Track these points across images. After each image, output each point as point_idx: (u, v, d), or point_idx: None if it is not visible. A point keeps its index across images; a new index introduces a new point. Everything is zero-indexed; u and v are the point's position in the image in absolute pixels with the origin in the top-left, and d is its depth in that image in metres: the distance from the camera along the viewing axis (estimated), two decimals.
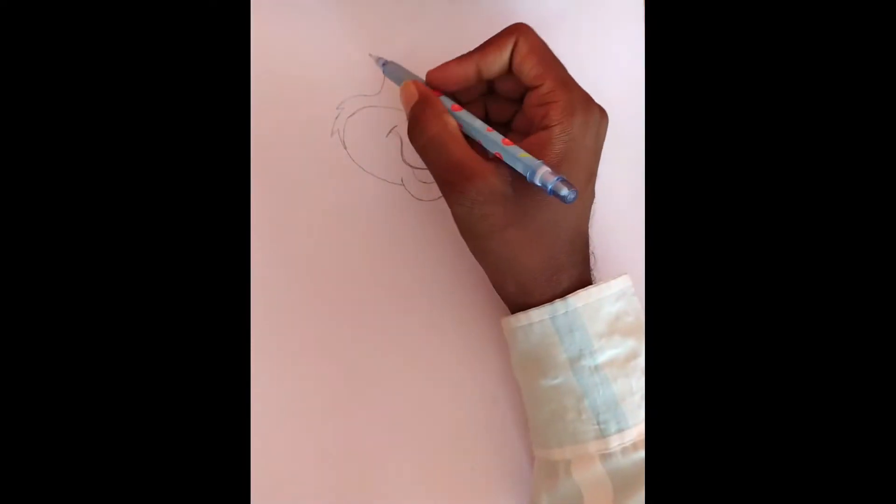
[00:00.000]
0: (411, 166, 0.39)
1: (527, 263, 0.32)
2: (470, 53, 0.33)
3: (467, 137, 0.33)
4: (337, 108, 0.39)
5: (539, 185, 0.29)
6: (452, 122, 0.32)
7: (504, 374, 0.38)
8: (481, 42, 0.33)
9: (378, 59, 0.37)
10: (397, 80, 0.36)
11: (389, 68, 0.37)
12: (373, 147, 0.39)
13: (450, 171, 0.31)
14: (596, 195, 0.35)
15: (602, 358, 0.31)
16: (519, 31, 0.32)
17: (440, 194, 0.38)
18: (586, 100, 0.32)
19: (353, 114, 0.39)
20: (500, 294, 0.35)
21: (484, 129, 0.32)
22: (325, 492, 0.37)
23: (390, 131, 0.39)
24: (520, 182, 0.30)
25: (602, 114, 0.33)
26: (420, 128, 0.32)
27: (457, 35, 0.35)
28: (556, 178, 0.28)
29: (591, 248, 0.35)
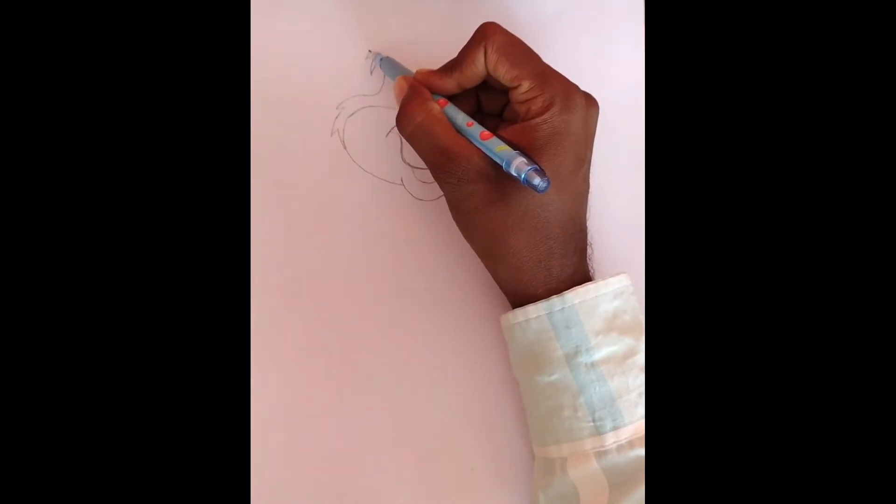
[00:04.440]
0: (411, 166, 0.39)
1: (514, 245, 0.32)
2: (450, 69, 0.34)
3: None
4: (337, 108, 0.39)
5: (514, 174, 0.30)
6: (437, 109, 0.34)
7: (504, 374, 0.38)
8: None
9: (376, 55, 0.38)
10: (392, 75, 0.37)
11: (385, 63, 0.38)
12: (373, 147, 0.39)
13: (437, 154, 0.33)
14: (597, 195, 0.35)
15: (598, 355, 0.31)
16: (485, 37, 0.33)
17: (440, 194, 0.39)
18: (566, 90, 0.32)
19: (353, 114, 0.39)
20: (497, 283, 0.35)
21: (465, 123, 0.33)
22: (325, 492, 0.37)
23: (390, 131, 0.39)
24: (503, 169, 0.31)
25: (589, 100, 0.33)
26: (407, 117, 0.33)
27: (457, 35, 0.35)
28: (528, 168, 0.29)
29: (588, 239, 0.35)
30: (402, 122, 0.34)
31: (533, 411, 0.34)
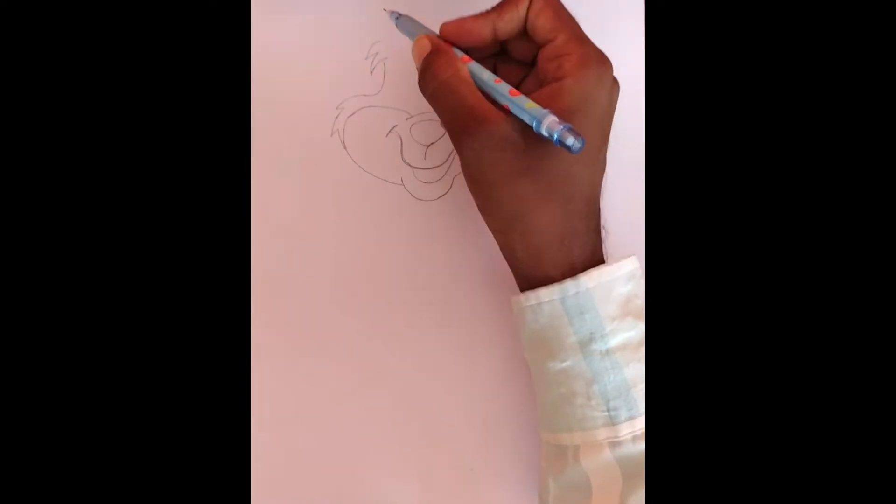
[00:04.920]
0: (411, 166, 0.39)
1: (538, 221, 0.31)
2: (487, 13, 0.32)
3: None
4: (337, 108, 0.39)
5: (546, 135, 0.28)
6: (464, 69, 0.32)
7: (505, 374, 0.38)
8: None
9: (392, 13, 0.36)
10: (410, 35, 0.35)
11: (403, 22, 0.36)
12: (373, 147, 0.39)
13: (460, 116, 0.31)
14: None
15: (614, 342, 0.30)
16: None
17: (440, 194, 0.39)
18: (601, 56, 0.31)
19: (353, 114, 0.39)
20: (509, 264, 0.33)
21: (492, 80, 0.31)
22: (325, 492, 0.37)
23: (390, 131, 0.39)
24: (531, 133, 0.30)
25: (615, 81, 0.32)
26: (431, 73, 0.32)
27: None
28: (561, 127, 0.27)
29: (602, 221, 0.33)
30: (424, 77, 0.32)
31: (544, 397, 0.33)
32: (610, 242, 0.35)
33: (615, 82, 0.32)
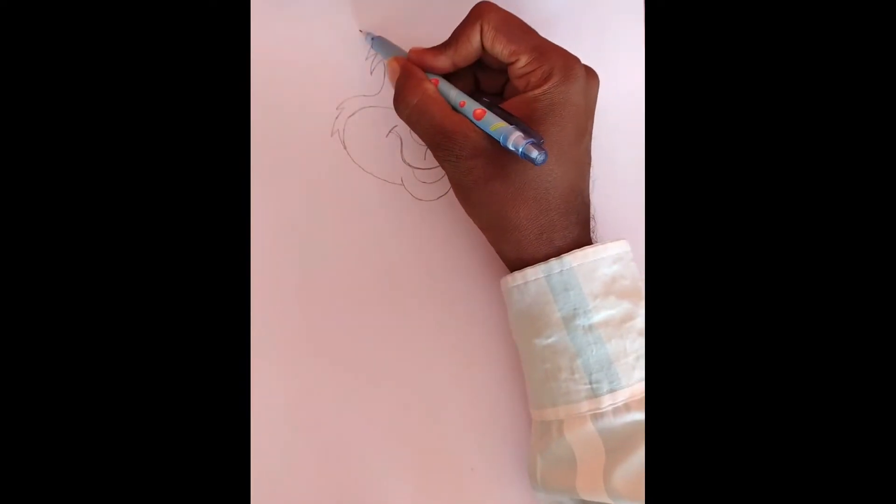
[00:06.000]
0: (411, 166, 0.39)
1: (514, 218, 0.32)
2: (444, 47, 0.34)
3: None
4: (337, 108, 0.39)
5: (512, 149, 0.30)
6: (432, 89, 0.34)
7: (505, 374, 0.38)
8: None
9: (367, 35, 0.38)
10: (384, 55, 0.37)
11: (377, 43, 0.38)
12: (373, 147, 0.39)
13: (434, 134, 0.33)
14: (600, 186, 0.35)
15: (596, 318, 0.31)
16: (481, 15, 0.33)
17: (440, 194, 0.39)
18: (566, 61, 0.32)
19: (353, 114, 0.39)
20: (500, 256, 0.35)
21: (458, 102, 0.33)
22: (324, 492, 0.37)
23: (390, 131, 0.39)
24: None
25: (589, 72, 0.33)
26: (403, 100, 0.34)
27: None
28: (525, 142, 0.29)
29: (591, 212, 0.34)
30: (398, 105, 0.34)
31: (531, 374, 0.34)
32: (601, 232, 0.36)
33: (591, 77, 0.33)
